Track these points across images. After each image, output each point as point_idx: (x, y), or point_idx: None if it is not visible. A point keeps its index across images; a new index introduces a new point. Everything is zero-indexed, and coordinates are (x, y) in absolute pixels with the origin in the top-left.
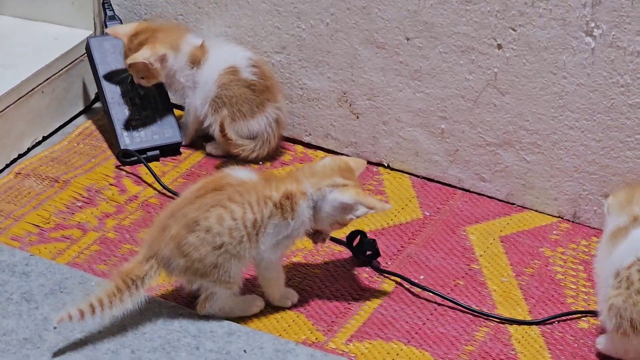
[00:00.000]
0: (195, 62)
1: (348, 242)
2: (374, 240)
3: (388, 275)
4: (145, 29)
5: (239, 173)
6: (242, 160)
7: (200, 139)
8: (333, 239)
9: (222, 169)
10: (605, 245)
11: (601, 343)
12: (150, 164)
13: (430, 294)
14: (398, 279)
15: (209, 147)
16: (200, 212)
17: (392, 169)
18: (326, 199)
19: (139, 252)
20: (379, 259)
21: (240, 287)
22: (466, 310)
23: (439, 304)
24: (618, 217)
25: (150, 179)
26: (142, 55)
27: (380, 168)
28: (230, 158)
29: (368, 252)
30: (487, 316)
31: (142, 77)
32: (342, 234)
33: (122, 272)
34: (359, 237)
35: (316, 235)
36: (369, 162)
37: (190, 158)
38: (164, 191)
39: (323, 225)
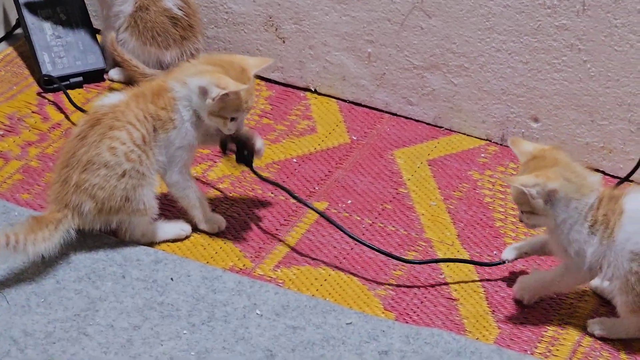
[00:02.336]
0: None
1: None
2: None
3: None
4: None
5: (108, 100)
6: None
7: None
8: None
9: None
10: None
11: (600, 327)
12: (73, 91)
13: (357, 217)
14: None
15: (112, 72)
16: (90, 151)
17: (319, 94)
18: (192, 91)
19: (48, 209)
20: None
21: (156, 211)
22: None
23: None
24: (579, 200)
25: (72, 106)
26: None
27: (308, 93)
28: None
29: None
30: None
31: None
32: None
33: (36, 217)
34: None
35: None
36: (296, 87)
37: (114, 85)
38: None
39: (208, 128)
